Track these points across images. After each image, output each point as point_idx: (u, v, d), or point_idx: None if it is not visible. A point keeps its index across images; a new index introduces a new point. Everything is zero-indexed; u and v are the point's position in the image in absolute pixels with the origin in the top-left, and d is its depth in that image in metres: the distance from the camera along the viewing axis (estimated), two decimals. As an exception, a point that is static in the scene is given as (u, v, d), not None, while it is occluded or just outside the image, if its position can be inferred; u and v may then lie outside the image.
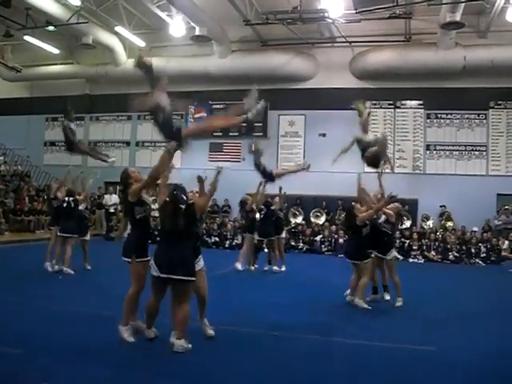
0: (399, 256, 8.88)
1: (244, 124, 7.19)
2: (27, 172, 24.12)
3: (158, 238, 6.12)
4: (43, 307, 7.62)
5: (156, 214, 6.75)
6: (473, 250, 17.48)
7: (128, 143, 24.05)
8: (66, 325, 6.61)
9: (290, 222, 19.84)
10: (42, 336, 6.12)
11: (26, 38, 20.24)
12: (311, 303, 8.89)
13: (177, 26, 18.43)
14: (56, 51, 22.23)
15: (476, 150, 19.71)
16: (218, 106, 22.31)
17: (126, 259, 6.21)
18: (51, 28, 18.89)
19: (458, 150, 19.89)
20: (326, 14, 16.77)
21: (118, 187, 20.98)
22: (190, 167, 21.13)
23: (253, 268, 13.07)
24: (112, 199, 20.85)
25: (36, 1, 17.15)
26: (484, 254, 17.36)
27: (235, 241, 19.16)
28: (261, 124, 21.75)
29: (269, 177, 10.52)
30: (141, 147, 23.78)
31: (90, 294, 8.41)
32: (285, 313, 8.03)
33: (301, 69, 21.07)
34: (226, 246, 18.98)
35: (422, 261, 17.47)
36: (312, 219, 20.20)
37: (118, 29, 19.68)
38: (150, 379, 5.03)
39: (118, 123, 24.27)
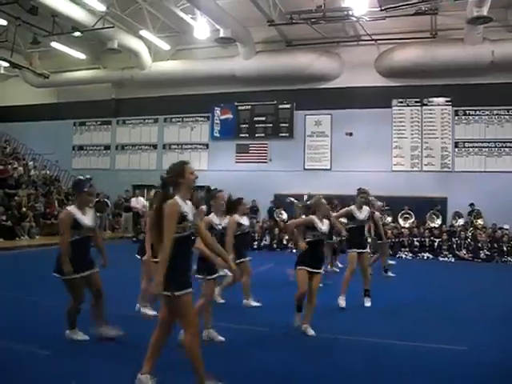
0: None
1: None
2: (56, 176, 24.44)
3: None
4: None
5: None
6: (504, 248, 17.21)
7: (155, 146, 24.20)
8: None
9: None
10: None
11: (53, 44, 20.54)
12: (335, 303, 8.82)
13: (201, 28, 18.44)
14: (82, 57, 22.49)
15: (506, 147, 19.35)
16: (243, 108, 22.38)
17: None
18: (77, 34, 19.10)
19: (487, 147, 19.57)
20: (351, 12, 16.67)
21: (145, 190, 21.18)
22: (217, 169, 21.38)
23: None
24: (139, 202, 20.95)
25: (62, 7, 17.35)
26: (516, 252, 17.09)
27: (263, 242, 19.16)
28: (287, 124, 21.77)
29: None
30: (168, 150, 23.92)
31: (124, 295, 8.46)
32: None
33: (326, 68, 20.95)
34: (255, 247, 18.91)
35: (453, 259, 17.26)
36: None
37: (143, 33, 19.82)
38: (178, 380, 5.01)
39: (144, 126, 24.45)
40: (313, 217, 7.09)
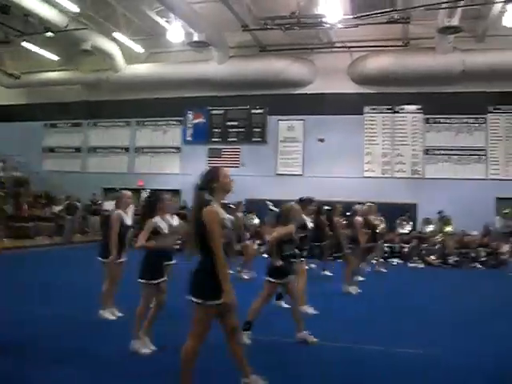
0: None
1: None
2: (26, 178, 24.06)
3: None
4: (43, 316, 7.60)
5: None
6: (472, 254, 17.45)
7: (127, 149, 24.04)
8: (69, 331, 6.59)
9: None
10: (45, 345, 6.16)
11: (24, 44, 20.20)
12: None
13: (175, 31, 18.36)
14: (55, 58, 22.23)
15: (475, 155, 19.68)
16: (216, 112, 22.36)
17: None
18: (50, 34, 18.86)
19: (456, 155, 19.86)
20: (324, 19, 16.79)
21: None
22: (189, 173, 21.29)
23: None
24: (112, 206, 20.69)
25: (35, 7, 17.16)
26: (484, 258, 17.32)
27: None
28: (260, 129, 21.81)
29: None
30: (140, 153, 23.78)
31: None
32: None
33: (299, 74, 21.08)
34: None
35: (422, 265, 17.42)
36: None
37: (116, 35, 19.69)
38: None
39: (116, 129, 24.27)
40: (293, 227, 6.70)
